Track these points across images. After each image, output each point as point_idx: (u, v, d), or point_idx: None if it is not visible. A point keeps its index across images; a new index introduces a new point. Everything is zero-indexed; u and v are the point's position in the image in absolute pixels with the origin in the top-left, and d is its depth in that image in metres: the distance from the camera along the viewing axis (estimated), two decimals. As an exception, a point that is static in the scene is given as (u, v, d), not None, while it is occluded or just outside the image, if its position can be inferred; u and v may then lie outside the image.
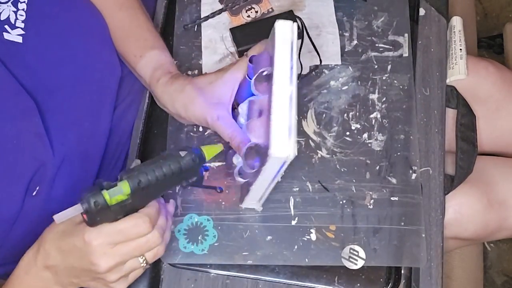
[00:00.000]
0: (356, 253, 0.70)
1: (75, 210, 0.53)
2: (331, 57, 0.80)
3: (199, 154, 0.59)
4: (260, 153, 0.61)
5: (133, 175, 0.55)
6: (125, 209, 0.55)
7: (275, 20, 0.60)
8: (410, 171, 0.74)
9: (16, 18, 0.64)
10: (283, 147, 0.55)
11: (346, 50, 0.81)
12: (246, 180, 0.67)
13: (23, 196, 0.62)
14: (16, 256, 0.66)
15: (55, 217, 0.53)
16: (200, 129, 0.76)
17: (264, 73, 0.61)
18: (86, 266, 0.56)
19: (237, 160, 0.68)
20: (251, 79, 0.67)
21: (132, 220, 0.56)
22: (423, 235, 0.71)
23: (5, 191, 0.60)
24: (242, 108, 0.69)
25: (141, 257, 0.58)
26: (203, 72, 0.78)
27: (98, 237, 0.54)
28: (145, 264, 0.59)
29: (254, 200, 0.69)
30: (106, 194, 0.53)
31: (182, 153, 0.58)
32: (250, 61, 0.66)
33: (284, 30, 0.60)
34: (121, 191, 0.54)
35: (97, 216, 0.54)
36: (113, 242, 0.55)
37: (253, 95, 0.68)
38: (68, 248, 0.56)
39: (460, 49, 0.84)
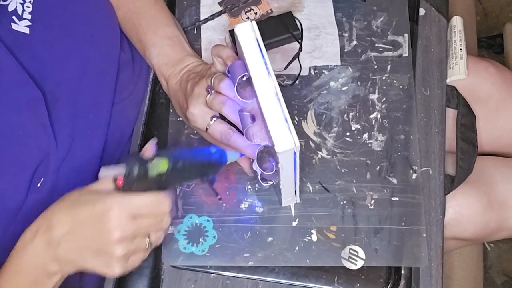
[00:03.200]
0: (356, 253, 0.70)
1: (117, 171, 0.55)
2: (330, 57, 0.80)
3: (224, 154, 0.62)
4: (271, 153, 0.61)
5: (172, 154, 0.57)
6: (156, 186, 0.57)
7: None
8: (411, 171, 0.74)
9: (23, 10, 0.64)
10: (285, 140, 0.55)
11: (345, 50, 0.81)
12: (272, 183, 0.68)
13: (28, 187, 0.62)
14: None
15: (103, 168, 0.56)
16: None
17: (244, 78, 0.61)
18: (98, 234, 0.56)
19: (256, 167, 0.68)
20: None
21: (159, 197, 0.57)
22: (424, 235, 0.71)
23: (10, 182, 0.60)
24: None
25: (147, 239, 0.59)
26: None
27: (121, 205, 0.55)
28: (148, 247, 0.59)
29: (290, 197, 0.70)
30: (149, 164, 0.56)
31: (213, 149, 0.62)
32: (228, 71, 0.66)
33: (245, 31, 0.60)
34: (159, 166, 0.56)
35: (132, 184, 0.56)
36: (135, 213, 0.56)
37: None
38: (83, 216, 0.56)
39: (461, 49, 0.84)
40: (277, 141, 0.55)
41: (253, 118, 0.61)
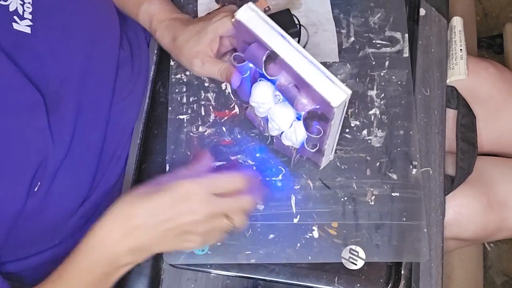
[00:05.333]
0: (356, 254, 0.70)
1: None
2: (328, 54, 0.80)
3: None
4: (316, 116, 0.62)
5: None
6: None
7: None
8: (410, 167, 0.74)
9: (24, 10, 0.64)
10: (336, 94, 0.57)
11: (343, 47, 0.81)
12: (316, 148, 0.68)
13: (27, 192, 0.62)
14: (17, 254, 0.67)
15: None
16: (200, 129, 0.76)
17: (264, 57, 0.62)
18: (179, 216, 0.58)
19: (295, 137, 0.69)
20: (243, 75, 0.69)
21: (229, 175, 0.61)
22: (425, 230, 0.71)
23: (9, 188, 0.60)
24: (253, 101, 0.69)
25: (227, 219, 0.61)
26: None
27: (201, 185, 0.58)
28: (230, 228, 0.62)
29: (329, 155, 0.71)
30: None
31: None
32: (235, 59, 0.67)
33: (247, 14, 0.61)
34: None
35: None
36: (212, 191, 0.59)
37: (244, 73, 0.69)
38: (162, 202, 0.58)
39: (461, 49, 0.84)
40: (330, 97, 0.57)
41: (297, 88, 0.62)
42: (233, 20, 0.62)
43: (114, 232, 0.58)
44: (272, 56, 0.61)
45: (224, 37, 0.74)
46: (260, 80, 0.68)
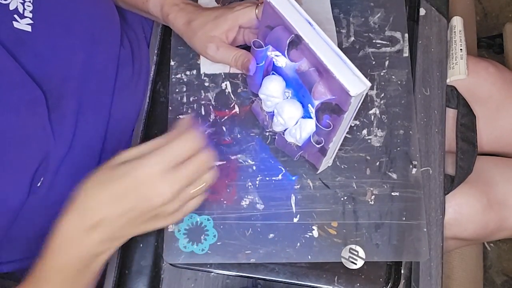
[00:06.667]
0: (356, 253, 0.70)
1: None
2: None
3: None
4: (330, 108, 0.62)
5: None
6: None
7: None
8: (410, 166, 0.74)
9: (24, 9, 0.64)
10: (356, 83, 0.57)
11: (343, 47, 0.81)
12: (321, 144, 0.67)
13: (29, 188, 0.62)
14: (18, 252, 0.66)
15: None
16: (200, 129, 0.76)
17: (288, 41, 0.62)
18: (147, 201, 0.54)
19: (299, 133, 0.68)
20: (258, 64, 0.69)
21: (180, 138, 0.55)
22: (425, 230, 0.71)
23: (10, 183, 0.60)
24: (263, 93, 0.70)
25: (197, 184, 0.57)
26: (201, 72, 0.79)
27: (153, 166, 0.53)
28: (204, 185, 0.58)
29: (328, 159, 0.71)
30: None
31: None
32: (254, 44, 0.67)
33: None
34: None
35: None
36: (169, 166, 0.54)
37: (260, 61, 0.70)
38: (119, 192, 0.54)
39: (461, 49, 0.84)
40: (349, 86, 0.57)
41: (319, 73, 0.61)
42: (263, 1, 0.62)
43: (77, 228, 0.55)
44: (296, 42, 0.61)
45: (240, 30, 0.74)
46: (272, 74, 0.68)
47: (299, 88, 0.68)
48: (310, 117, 0.68)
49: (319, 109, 0.63)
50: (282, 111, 0.68)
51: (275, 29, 0.63)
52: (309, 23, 0.61)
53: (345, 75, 0.57)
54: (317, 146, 0.67)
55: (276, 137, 0.73)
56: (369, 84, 0.57)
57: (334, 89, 0.60)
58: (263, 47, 0.67)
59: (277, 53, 0.67)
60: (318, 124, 0.63)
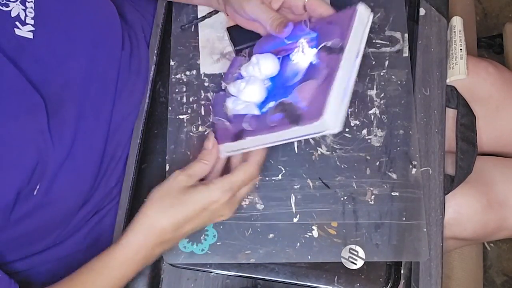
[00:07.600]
0: (356, 253, 0.70)
1: None
2: (330, 55, 0.80)
3: None
4: (286, 110, 0.63)
5: None
6: None
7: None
8: (410, 166, 0.74)
9: (26, 15, 0.64)
10: (334, 117, 0.59)
11: (344, 47, 0.81)
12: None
13: (16, 194, 0.61)
14: (21, 252, 0.66)
15: None
16: (200, 129, 0.76)
17: (328, 44, 0.64)
18: (209, 222, 0.67)
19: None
20: (286, 39, 0.70)
21: (247, 171, 0.66)
22: (425, 230, 0.71)
23: (4, 185, 0.60)
24: (257, 61, 0.70)
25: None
26: (201, 72, 0.79)
27: (220, 198, 0.64)
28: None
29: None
30: None
31: None
32: (305, 23, 0.69)
33: (364, 15, 0.65)
34: None
35: None
36: (234, 192, 0.65)
37: (271, 49, 0.71)
38: (187, 218, 0.64)
39: (461, 49, 0.84)
40: (327, 113, 0.58)
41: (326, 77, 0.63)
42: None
43: (146, 245, 0.64)
44: (335, 50, 0.63)
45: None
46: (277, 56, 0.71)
47: (280, 87, 0.68)
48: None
49: (276, 107, 0.64)
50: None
51: (332, 27, 0.65)
52: (358, 54, 0.63)
53: (335, 105, 0.59)
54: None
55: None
56: (338, 129, 0.59)
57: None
58: (306, 28, 0.68)
59: (307, 46, 0.68)
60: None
